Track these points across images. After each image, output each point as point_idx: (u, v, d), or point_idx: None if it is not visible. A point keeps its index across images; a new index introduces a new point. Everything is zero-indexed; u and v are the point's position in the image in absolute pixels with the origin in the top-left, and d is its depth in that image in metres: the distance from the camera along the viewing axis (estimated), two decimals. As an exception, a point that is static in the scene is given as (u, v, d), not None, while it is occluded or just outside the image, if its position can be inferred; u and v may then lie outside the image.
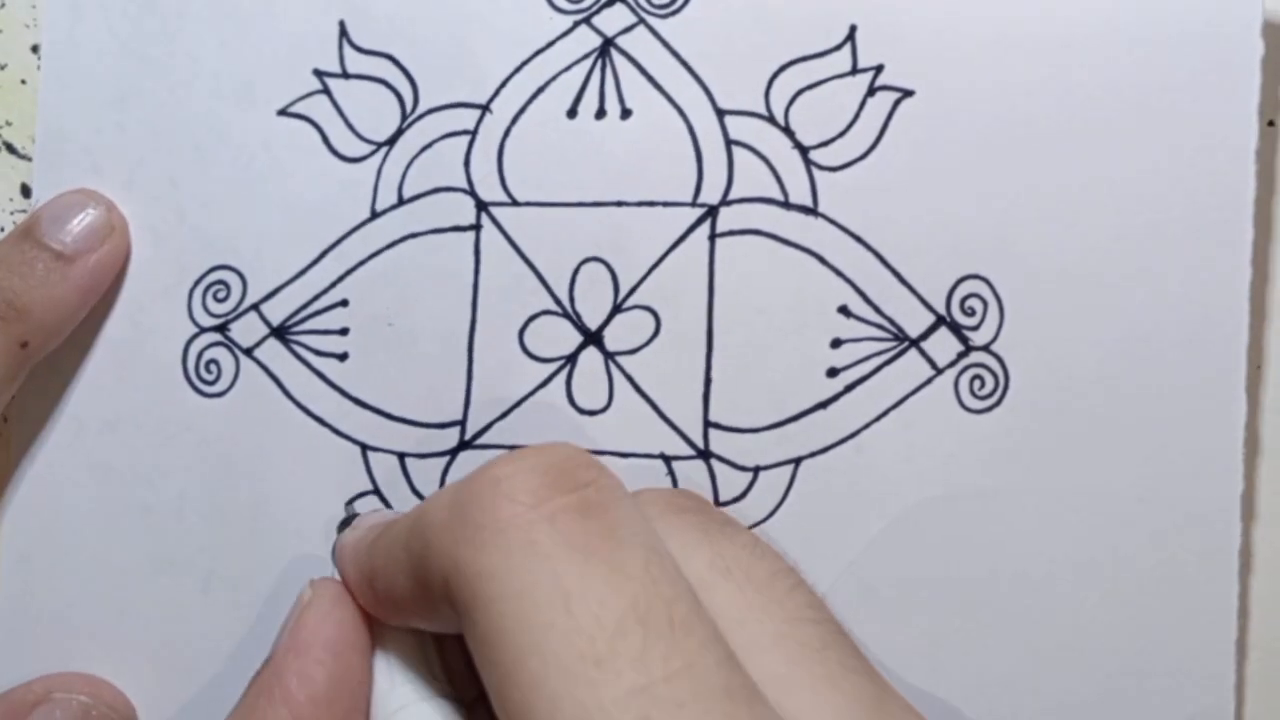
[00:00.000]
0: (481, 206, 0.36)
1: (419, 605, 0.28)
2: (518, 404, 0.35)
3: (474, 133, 0.36)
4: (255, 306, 0.37)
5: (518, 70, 0.36)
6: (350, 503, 0.36)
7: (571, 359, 0.35)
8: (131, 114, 0.38)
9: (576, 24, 0.36)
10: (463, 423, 0.36)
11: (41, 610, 0.37)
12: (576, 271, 0.35)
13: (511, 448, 0.35)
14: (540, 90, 0.36)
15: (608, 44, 0.36)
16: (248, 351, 0.37)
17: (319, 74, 0.37)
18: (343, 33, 0.37)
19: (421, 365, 0.36)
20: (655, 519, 0.29)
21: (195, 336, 0.37)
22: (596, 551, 0.25)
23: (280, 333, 0.37)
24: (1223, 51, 0.32)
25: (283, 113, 0.37)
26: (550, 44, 0.36)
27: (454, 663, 0.31)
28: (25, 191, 0.39)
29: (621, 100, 0.35)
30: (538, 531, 0.25)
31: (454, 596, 0.26)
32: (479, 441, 0.35)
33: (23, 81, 0.39)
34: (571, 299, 0.35)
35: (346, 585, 0.31)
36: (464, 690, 0.30)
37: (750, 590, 0.28)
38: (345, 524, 0.35)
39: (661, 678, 0.23)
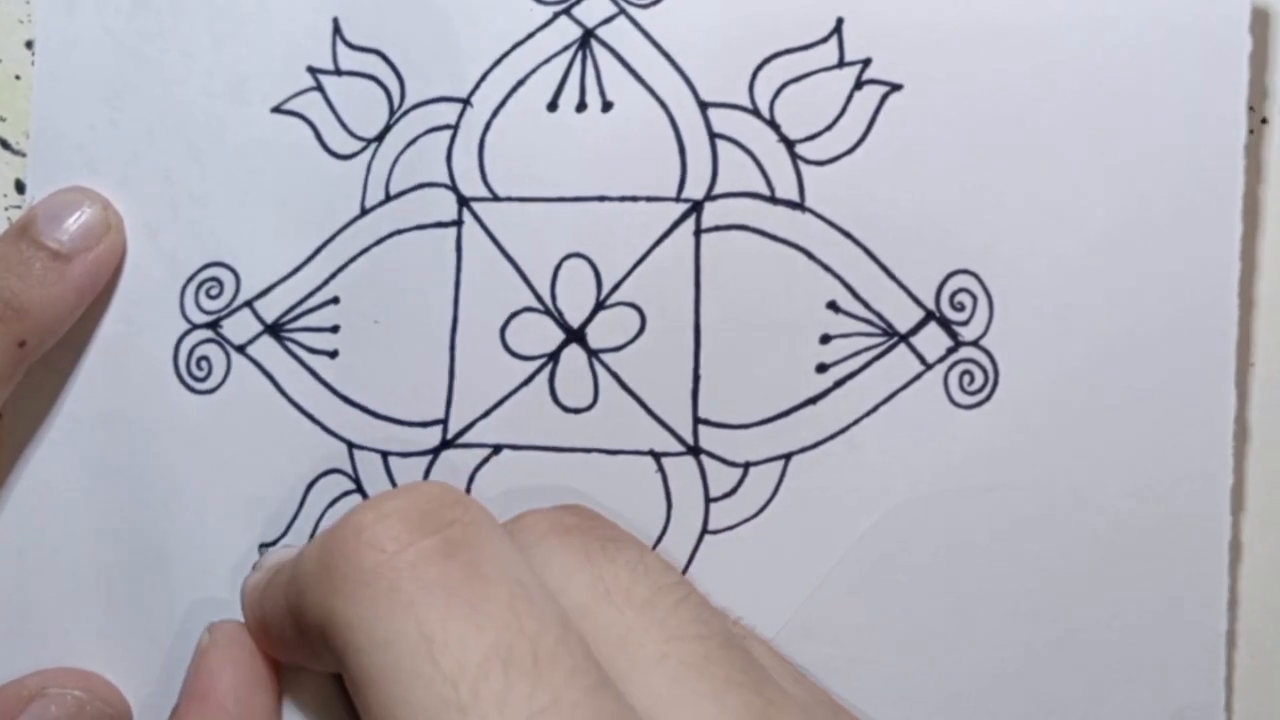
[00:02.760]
0: (463, 202, 0.36)
1: (305, 651, 0.29)
2: (499, 403, 0.35)
3: (455, 127, 0.36)
4: (249, 303, 0.37)
5: (497, 63, 0.36)
6: (265, 546, 0.36)
7: (554, 357, 0.35)
8: (126, 110, 0.38)
9: (556, 15, 0.36)
10: (444, 421, 0.35)
11: (36, 606, 0.37)
12: (558, 268, 0.35)
13: (495, 447, 0.35)
14: (520, 83, 0.36)
15: (588, 35, 0.35)
16: (240, 349, 0.37)
17: (312, 71, 0.37)
18: (336, 29, 0.37)
19: (405, 363, 0.36)
20: (535, 544, 0.29)
21: (187, 333, 0.37)
22: (458, 593, 0.25)
23: (274, 330, 0.37)
24: (1211, 45, 0.32)
25: (277, 110, 0.37)
26: (530, 36, 0.36)
27: None
28: (19, 187, 0.39)
29: (602, 93, 0.35)
30: (400, 578, 0.25)
31: (330, 645, 0.26)
32: (461, 440, 0.35)
33: (16, 77, 0.39)
34: (553, 296, 0.35)
35: (249, 630, 0.31)
36: None
37: (630, 611, 0.28)
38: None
39: (526, 717, 0.23)
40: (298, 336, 0.37)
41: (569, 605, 0.27)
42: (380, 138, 0.37)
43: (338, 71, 0.37)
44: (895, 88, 0.34)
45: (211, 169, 0.37)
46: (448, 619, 0.24)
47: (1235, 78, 0.32)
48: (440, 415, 0.35)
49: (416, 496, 0.27)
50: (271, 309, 0.37)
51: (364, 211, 0.36)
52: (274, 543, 0.36)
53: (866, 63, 0.34)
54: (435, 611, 0.24)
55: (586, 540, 0.30)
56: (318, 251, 0.37)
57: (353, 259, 0.36)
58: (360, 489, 0.36)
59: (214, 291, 0.37)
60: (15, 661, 0.37)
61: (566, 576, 0.28)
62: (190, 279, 0.37)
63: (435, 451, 0.35)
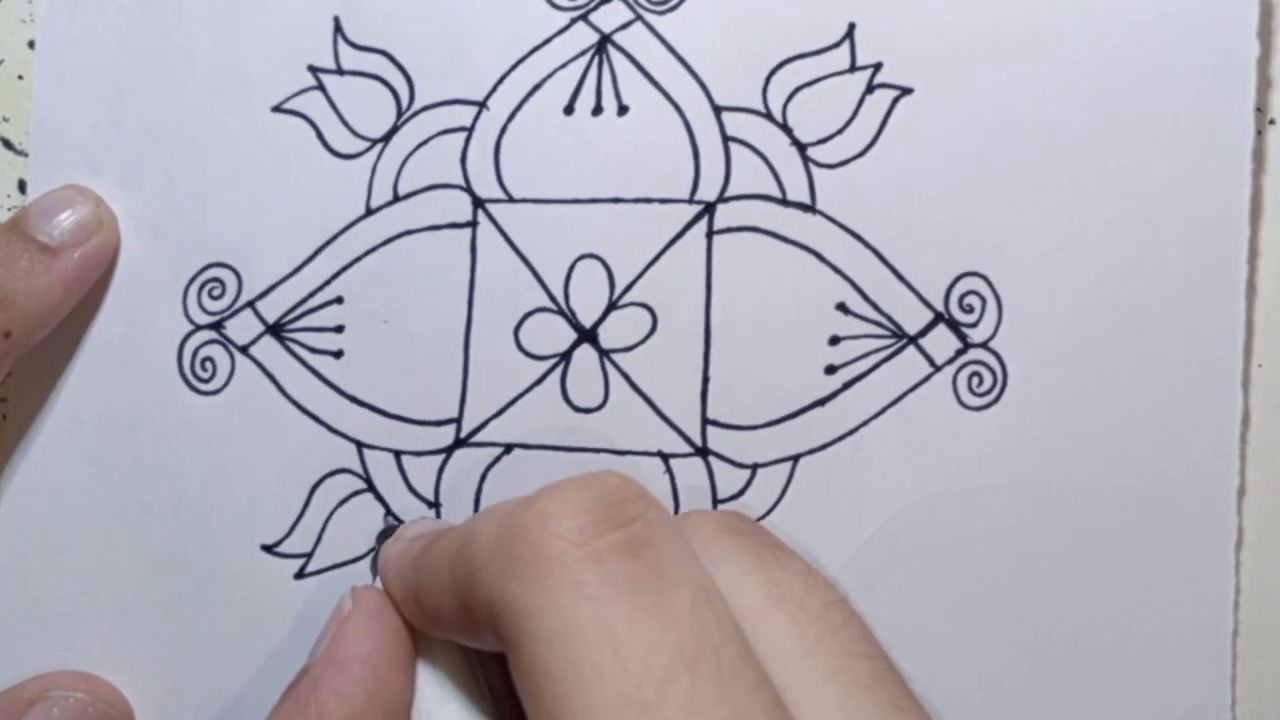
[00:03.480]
0: (478, 203, 0.36)
1: (464, 627, 0.28)
2: (512, 402, 0.35)
3: (470, 129, 0.36)
4: (251, 304, 0.37)
5: (515, 67, 0.36)
6: (388, 514, 0.36)
7: (566, 356, 0.35)
8: (128, 110, 0.38)
9: (574, 20, 0.36)
10: (458, 420, 0.35)
11: (39, 608, 0.37)
12: (571, 269, 0.35)
13: (506, 446, 0.35)
14: (537, 87, 0.36)
15: (605, 40, 0.35)
16: (243, 349, 0.37)
17: (314, 70, 0.37)
18: (338, 29, 0.37)
19: (417, 362, 0.36)
20: (707, 542, 0.29)
21: (191, 334, 0.37)
22: (644, 592, 0.25)
23: (275, 330, 0.37)
24: (1218, 48, 0.32)
25: (278, 109, 0.37)
26: (547, 40, 0.36)
27: (496, 678, 0.30)
28: (22, 187, 0.39)
29: (618, 97, 0.35)
30: (585, 571, 0.25)
31: (499, 628, 0.26)
32: (475, 439, 0.35)
33: (19, 77, 0.39)
34: (566, 296, 0.35)
35: (390, 596, 0.31)
36: (507, 706, 0.30)
37: (804, 622, 0.27)
38: (384, 535, 0.35)
39: None
40: (300, 337, 0.37)
41: (742, 607, 0.27)
42: (387, 138, 0.36)
43: (340, 71, 0.37)
44: (906, 92, 0.34)
45: (213, 169, 0.37)
46: (633, 618, 0.24)
47: (1243, 80, 0.32)
48: (454, 414, 0.36)
49: (602, 488, 0.26)
50: (273, 309, 0.37)
51: (370, 211, 0.36)
52: (277, 544, 0.36)
53: (878, 67, 0.34)
54: (621, 608, 0.24)
55: (757, 544, 0.30)
56: (319, 251, 0.37)
57: (358, 259, 0.36)
58: (372, 488, 0.36)
59: (216, 292, 0.37)
60: (18, 664, 0.37)
61: (740, 578, 0.28)
62: (193, 279, 0.37)
63: (449, 450, 0.36)
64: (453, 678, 0.30)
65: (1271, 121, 0.33)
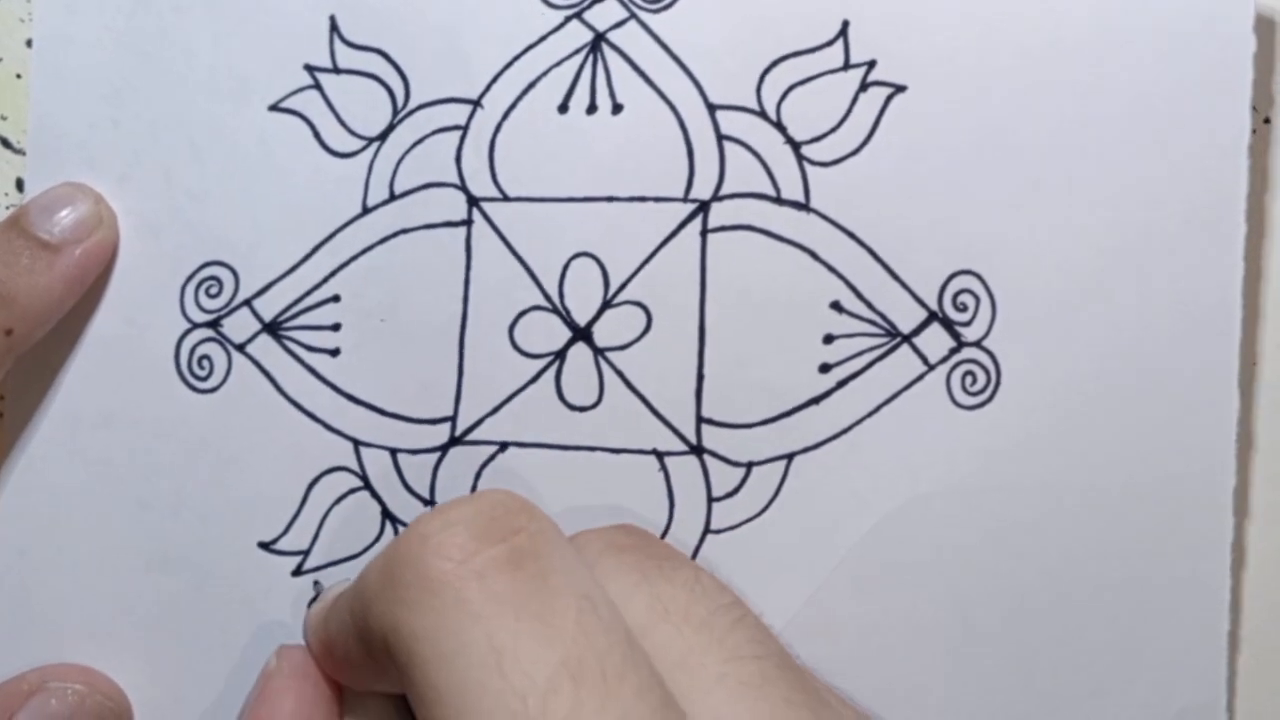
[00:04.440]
0: (473, 202, 0.36)
1: (369, 668, 0.28)
2: (507, 400, 0.35)
3: (465, 128, 0.36)
4: (247, 302, 0.37)
5: (509, 65, 0.36)
6: (317, 582, 0.36)
7: (560, 355, 0.35)
8: (126, 109, 0.38)
9: (568, 19, 0.36)
10: (454, 419, 0.36)
11: (37, 604, 0.37)
12: (566, 267, 0.35)
13: (502, 445, 0.35)
14: (531, 85, 0.36)
15: (599, 38, 0.35)
16: (240, 347, 0.37)
17: (310, 69, 0.37)
18: (333, 27, 0.37)
19: (413, 361, 0.36)
20: (593, 563, 0.29)
21: (188, 332, 0.37)
22: (527, 605, 0.25)
23: (272, 328, 0.37)
24: (1215, 47, 0.32)
25: (275, 108, 0.37)
26: (541, 39, 0.36)
27: None
28: (20, 186, 0.39)
29: (613, 95, 0.35)
30: (468, 588, 0.25)
31: (394, 657, 0.26)
32: (470, 437, 0.35)
33: (18, 76, 0.39)
34: (561, 295, 0.35)
35: (312, 655, 0.31)
36: None
37: (689, 631, 0.28)
38: (313, 601, 0.35)
39: None
40: (297, 335, 0.37)
41: (628, 625, 0.27)
42: (383, 137, 0.37)
43: (336, 70, 0.37)
44: (900, 89, 0.34)
45: (211, 167, 0.37)
46: (517, 632, 0.24)
47: (1238, 77, 0.32)
48: (449, 412, 0.36)
49: (482, 504, 0.27)
50: (270, 307, 0.37)
51: (366, 210, 0.36)
52: (274, 542, 0.36)
53: (871, 65, 0.34)
54: (504, 623, 0.24)
55: (642, 559, 0.30)
56: (316, 249, 0.37)
57: (354, 257, 0.36)
58: (368, 486, 0.36)
59: (214, 290, 0.37)
60: (16, 658, 0.37)
61: (625, 596, 0.28)
62: (190, 278, 0.37)
63: (444, 448, 0.36)
64: None
65: (1266, 120, 0.33)
